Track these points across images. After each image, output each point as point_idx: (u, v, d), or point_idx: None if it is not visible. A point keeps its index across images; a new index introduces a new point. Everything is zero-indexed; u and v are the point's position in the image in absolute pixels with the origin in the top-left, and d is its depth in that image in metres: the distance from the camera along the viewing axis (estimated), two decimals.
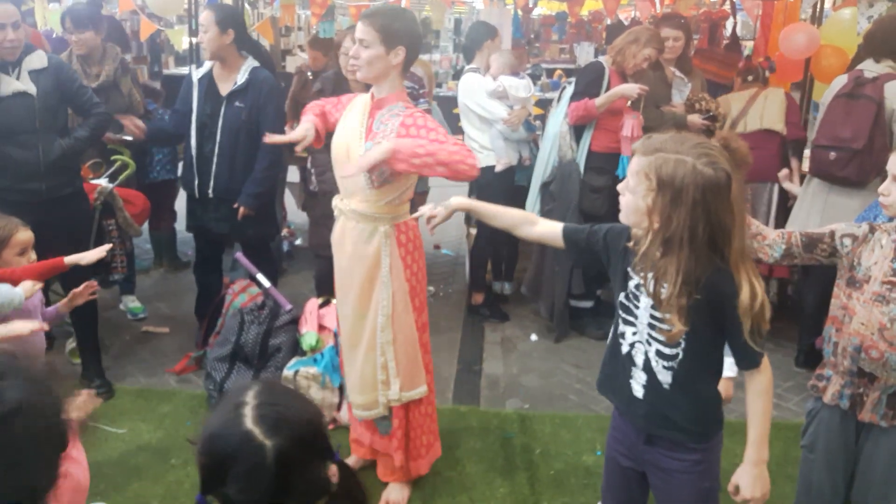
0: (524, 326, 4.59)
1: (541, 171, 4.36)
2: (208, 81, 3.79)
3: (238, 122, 3.72)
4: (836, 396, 2.16)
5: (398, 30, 2.54)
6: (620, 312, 1.93)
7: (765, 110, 4.44)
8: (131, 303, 4.63)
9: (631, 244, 1.86)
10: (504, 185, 4.53)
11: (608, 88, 4.10)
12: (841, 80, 3.82)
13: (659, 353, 1.86)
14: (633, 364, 1.92)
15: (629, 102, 4.03)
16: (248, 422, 1.23)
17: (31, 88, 3.27)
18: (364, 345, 2.78)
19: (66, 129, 3.46)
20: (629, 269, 1.87)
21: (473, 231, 4.88)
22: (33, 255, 2.61)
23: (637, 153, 1.77)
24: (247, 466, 1.20)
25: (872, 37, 3.76)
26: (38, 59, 3.34)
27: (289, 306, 3.67)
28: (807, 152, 4.62)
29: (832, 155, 3.69)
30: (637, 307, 1.88)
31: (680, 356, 1.83)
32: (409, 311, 2.77)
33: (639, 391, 1.91)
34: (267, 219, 4.05)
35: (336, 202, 2.79)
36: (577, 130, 4.22)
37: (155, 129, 4.05)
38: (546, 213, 4.26)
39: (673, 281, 1.70)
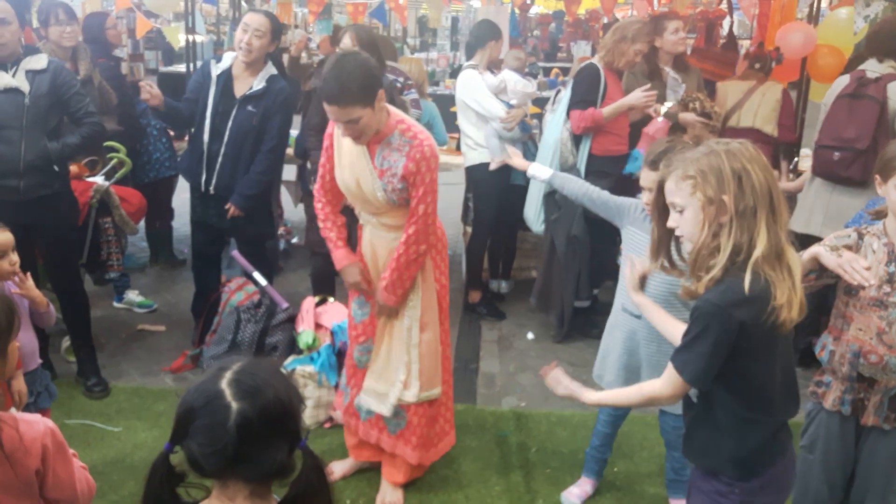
0: (521, 325, 4.59)
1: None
2: (225, 80, 3.76)
3: (248, 125, 3.72)
4: (837, 402, 2.16)
5: (371, 83, 2.47)
6: None
7: (759, 108, 4.45)
8: (137, 297, 4.63)
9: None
10: (499, 184, 4.52)
11: (605, 90, 4.08)
12: (843, 81, 3.82)
13: None
14: None
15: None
16: (223, 383, 1.28)
17: (24, 87, 3.25)
18: (394, 340, 2.82)
19: (56, 133, 3.41)
20: None
21: (469, 229, 4.88)
22: (14, 257, 2.54)
23: (662, 178, 1.76)
24: (209, 422, 1.25)
25: (875, 37, 3.76)
26: (38, 61, 3.32)
27: (285, 305, 3.66)
28: (805, 152, 4.63)
29: (836, 155, 3.69)
30: None
31: None
32: (436, 312, 2.82)
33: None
34: (265, 217, 4.05)
35: (361, 213, 2.84)
36: (577, 135, 4.20)
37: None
38: (552, 222, 4.26)
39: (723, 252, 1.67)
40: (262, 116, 3.71)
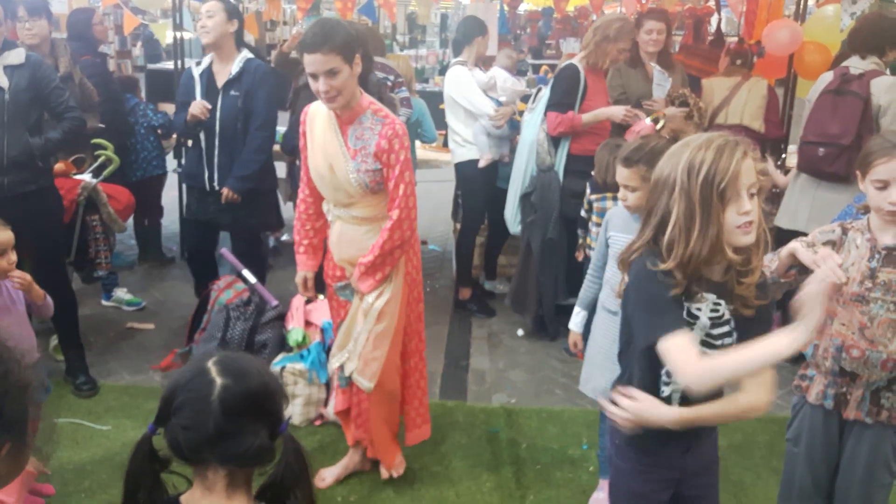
0: (511, 322, 4.60)
1: (519, 181, 4.28)
2: (208, 76, 3.84)
3: (235, 110, 3.77)
4: (820, 396, 2.18)
5: (350, 40, 2.52)
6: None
7: (746, 105, 4.47)
8: (125, 295, 4.61)
9: (679, 287, 1.68)
10: (487, 182, 4.52)
11: (584, 91, 4.03)
12: (827, 77, 3.85)
13: None
14: (674, 391, 1.81)
15: (648, 118, 3.97)
16: (209, 362, 1.31)
17: (3, 82, 3.23)
18: (357, 314, 2.80)
19: (38, 128, 3.39)
20: (689, 306, 1.72)
21: (459, 226, 4.88)
22: (13, 256, 2.56)
23: (747, 157, 1.65)
24: (193, 396, 1.27)
25: (857, 34, 3.79)
26: (16, 56, 3.29)
27: (275, 302, 3.66)
28: (792, 148, 4.67)
29: (820, 151, 3.71)
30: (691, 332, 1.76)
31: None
32: (398, 306, 2.79)
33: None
34: (269, 208, 4.13)
35: (330, 209, 2.81)
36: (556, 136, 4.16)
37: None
38: (528, 224, 4.24)
39: (758, 262, 1.70)
40: (244, 96, 3.78)
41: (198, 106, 3.79)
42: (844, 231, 2.13)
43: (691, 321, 1.73)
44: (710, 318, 1.74)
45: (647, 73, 4.37)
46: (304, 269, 2.95)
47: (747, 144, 1.68)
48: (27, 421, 1.21)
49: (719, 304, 1.74)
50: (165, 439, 1.29)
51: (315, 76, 2.51)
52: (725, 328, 1.75)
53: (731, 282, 1.73)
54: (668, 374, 1.77)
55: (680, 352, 1.62)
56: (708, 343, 1.76)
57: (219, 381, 1.27)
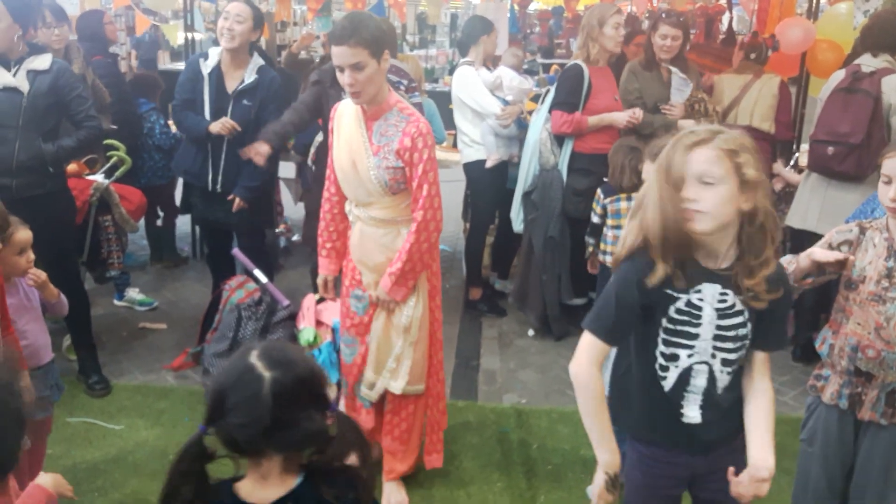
0: (521, 322, 4.59)
1: (522, 180, 4.28)
2: (217, 76, 3.80)
3: (246, 120, 3.76)
4: (834, 396, 2.17)
5: (379, 35, 2.50)
6: (667, 341, 1.79)
7: (756, 106, 4.43)
8: (138, 295, 4.64)
9: (657, 274, 1.71)
10: (496, 183, 4.51)
11: (589, 89, 4.01)
12: (838, 75, 3.82)
13: (725, 362, 1.78)
14: (687, 390, 1.80)
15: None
16: (253, 358, 1.33)
17: (24, 86, 3.23)
18: (391, 333, 2.79)
19: (53, 135, 3.38)
20: (669, 291, 1.74)
21: (469, 226, 4.87)
22: (32, 255, 2.60)
23: (695, 147, 1.68)
24: (245, 395, 1.29)
25: (869, 31, 3.76)
26: (41, 61, 3.29)
27: (286, 302, 3.66)
28: (805, 147, 4.64)
29: (830, 150, 3.69)
30: (697, 324, 1.76)
31: (741, 354, 1.80)
32: (429, 311, 2.80)
33: (695, 416, 1.81)
34: (268, 207, 4.19)
35: (351, 209, 2.80)
36: (560, 135, 4.14)
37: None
38: (529, 222, 4.23)
39: (770, 253, 1.70)
40: (258, 108, 3.77)
41: (225, 127, 3.71)
42: (862, 230, 2.12)
43: (695, 313, 1.75)
44: (718, 310, 1.74)
45: (663, 75, 4.30)
46: (325, 272, 2.93)
47: (710, 136, 1.68)
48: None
49: (726, 294, 1.74)
50: (218, 437, 1.31)
51: (341, 69, 2.49)
52: (738, 319, 1.75)
53: (740, 274, 1.72)
54: (663, 368, 1.81)
55: (588, 346, 1.81)
56: (720, 336, 1.76)
57: (267, 375, 1.30)
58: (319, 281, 2.96)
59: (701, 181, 1.66)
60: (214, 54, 3.83)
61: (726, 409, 1.83)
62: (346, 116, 2.70)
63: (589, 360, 1.80)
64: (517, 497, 2.98)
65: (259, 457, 1.33)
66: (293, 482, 1.35)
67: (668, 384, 1.81)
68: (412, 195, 2.62)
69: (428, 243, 2.63)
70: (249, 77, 3.76)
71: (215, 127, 3.73)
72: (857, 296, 2.08)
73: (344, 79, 2.50)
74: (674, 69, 4.28)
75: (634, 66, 4.27)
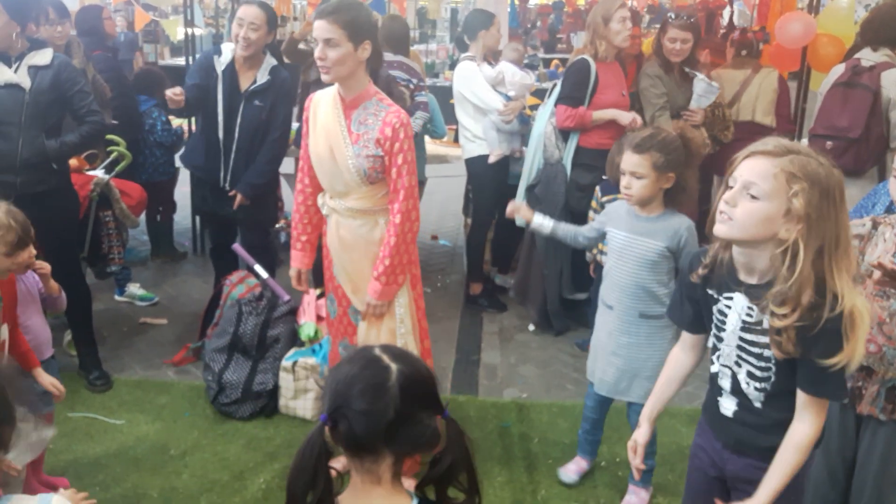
0: (522, 316, 4.59)
1: (526, 174, 4.28)
2: (230, 75, 3.77)
3: (258, 120, 3.77)
4: None
5: (363, 24, 2.52)
6: (713, 331, 1.83)
7: (757, 101, 4.42)
8: (138, 290, 4.64)
9: (704, 266, 1.76)
10: (498, 178, 4.51)
11: (595, 85, 3.98)
12: (838, 69, 3.82)
13: (750, 375, 1.74)
14: (720, 387, 1.82)
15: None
16: (377, 351, 1.33)
17: (25, 82, 3.22)
18: (382, 334, 2.76)
19: (56, 130, 3.38)
20: (710, 291, 1.76)
21: (470, 221, 4.87)
22: (33, 249, 2.59)
23: (757, 156, 1.60)
24: (371, 383, 1.27)
25: (869, 25, 3.76)
26: (42, 56, 3.28)
27: (287, 297, 3.67)
28: (804, 141, 4.64)
29: (829, 144, 3.69)
30: (723, 329, 1.76)
31: (772, 378, 1.71)
32: (413, 300, 2.80)
33: (727, 408, 1.81)
34: (272, 202, 4.21)
35: (325, 201, 2.77)
36: (564, 129, 4.12)
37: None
38: None
39: (809, 294, 1.55)
40: (270, 109, 3.77)
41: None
42: (875, 225, 2.11)
43: (722, 318, 1.76)
44: (744, 321, 1.71)
45: (677, 77, 4.22)
46: (299, 265, 2.95)
47: (781, 152, 1.59)
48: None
49: (752, 310, 1.68)
50: (340, 429, 1.28)
51: (317, 42, 2.53)
52: (763, 338, 1.67)
53: (770, 298, 1.61)
54: (713, 351, 1.84)
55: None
56: (744, 348, 1.73)
57: (394, 366, 1.29)
58: (292, 273, 2.97)
59: (745, 189, 1.60)
60: (228, 51, 3.79)
61: (766, 424, 1.75)
62: (322, 105, 2.70)
63: (679, 344, 2.00)
64: (518, 491, 2.99)
65: (372, 458, 1.29)
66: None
67: (713, 368, 1.86)
68: (391, 185, 2.62)
69: (412, 233, 2.64)
70: (262, 77, 3.74)
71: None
72: (862, 290, 2.07)
73: (317, 52, 2.54)
74: (700, 75, 4.19)
75: (656, 69, 4.17)
